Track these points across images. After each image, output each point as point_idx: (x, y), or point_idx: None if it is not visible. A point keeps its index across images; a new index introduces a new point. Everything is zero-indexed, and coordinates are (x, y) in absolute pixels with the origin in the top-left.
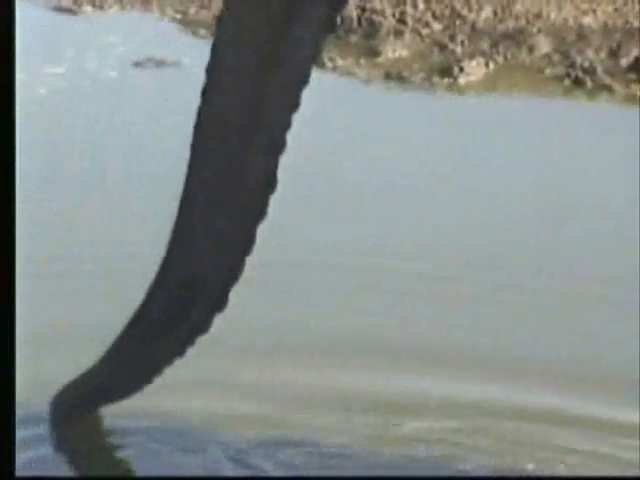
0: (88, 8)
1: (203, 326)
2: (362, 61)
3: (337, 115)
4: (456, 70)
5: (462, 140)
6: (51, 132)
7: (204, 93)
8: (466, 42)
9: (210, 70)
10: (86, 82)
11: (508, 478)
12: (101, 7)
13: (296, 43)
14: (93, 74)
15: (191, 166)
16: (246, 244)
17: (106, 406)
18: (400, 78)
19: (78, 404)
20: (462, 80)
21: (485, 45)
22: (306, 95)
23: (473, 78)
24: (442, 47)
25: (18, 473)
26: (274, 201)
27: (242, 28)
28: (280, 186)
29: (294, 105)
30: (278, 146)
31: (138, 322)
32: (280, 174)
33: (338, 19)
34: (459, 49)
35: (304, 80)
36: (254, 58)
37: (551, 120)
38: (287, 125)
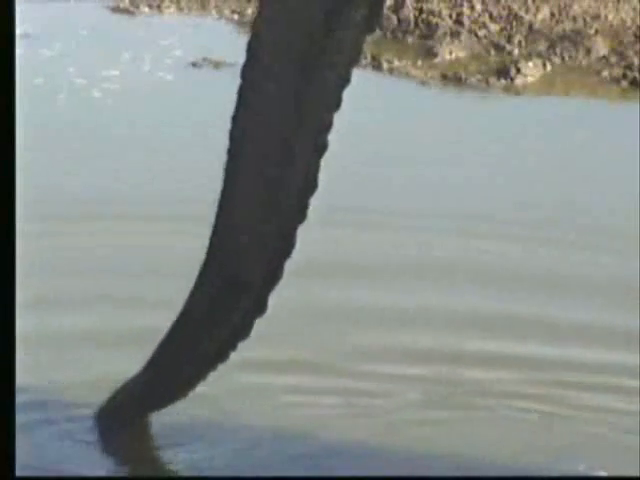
0: (145, 9)
1: (244, 329)
2: (419, 62)
3: (393, 117)
4: (513, 71)
5: (518, 141)
6: (112, 130)
7: (240, 95)
8: (523, 43)
9: (247, 73)
10: (143, 84)
11: (509, 478)
12: (159, 8)
13: (337, 46)
14: (149, 76)
15: (230, 169)
16: (286, 247)
17: (151, 413)
18: (457, 79)
19: (124, 413)
20: (519, 81)
21: (542, 46)
22: (363, 96)
23: (530, 79)
24: (499, 48)
25: None
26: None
27: (282, 32)
28: (340, 187)
29: (335, 106)
30: (319, 148)
31: (180, 327)
32: (340, 176)
33: (377, 20)
34: (516, 50)
35: (345, 81)
36: (294, 61)
37: (607, 122)
38: (328, 127)
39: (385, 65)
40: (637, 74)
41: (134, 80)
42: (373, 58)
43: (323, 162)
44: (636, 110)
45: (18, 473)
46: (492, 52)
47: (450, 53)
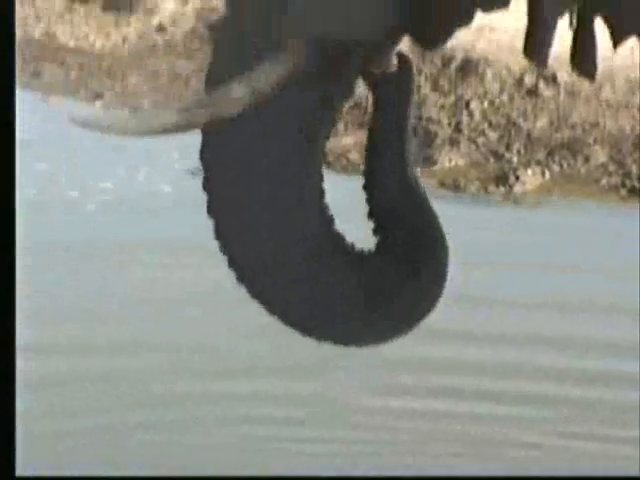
0: None
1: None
2: (418, 170)
3: None
4: (512, 179)
5: (518, 249)
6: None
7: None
8: (522, 151)
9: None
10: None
11: (508, 478)
12: None
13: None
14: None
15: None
16: None
17: None
18: (455, 187)
19: None
20: (518, 189)
21: (541, 154)
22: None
23: (529, 187)
24: (498, 156)
25: None
26: None
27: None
28: None
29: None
30: None
31: None
32: None
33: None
34: (515, 158)
35: None
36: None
37: (607, 230)
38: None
39: None
40: (636, 182)
41: (129, 192)
42: None
43: None
44: (635, 218)
45: (18, 473)
46: (491, 160)
47: (449, 161)
